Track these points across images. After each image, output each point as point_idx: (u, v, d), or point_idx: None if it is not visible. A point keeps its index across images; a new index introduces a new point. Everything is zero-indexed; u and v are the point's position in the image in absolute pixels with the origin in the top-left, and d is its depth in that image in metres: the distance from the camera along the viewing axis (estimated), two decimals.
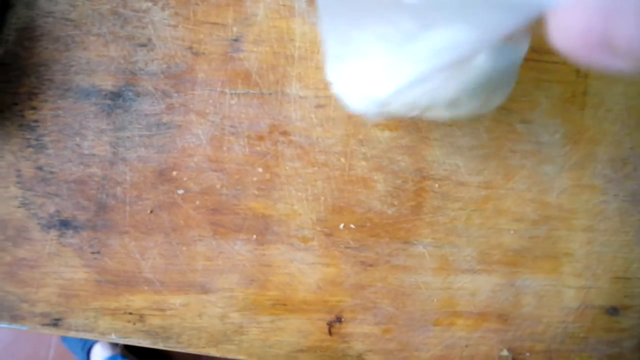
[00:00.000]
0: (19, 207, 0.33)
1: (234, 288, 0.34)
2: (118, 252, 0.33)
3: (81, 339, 0.96)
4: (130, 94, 0.34)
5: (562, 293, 0.36)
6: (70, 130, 0.34)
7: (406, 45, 0.22)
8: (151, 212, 0.34)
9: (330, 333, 0.34)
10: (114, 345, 0.97)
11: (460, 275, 0.35)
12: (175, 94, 0.34)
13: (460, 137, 0.35)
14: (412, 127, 0.35)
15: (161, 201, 0.34)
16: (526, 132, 0.36)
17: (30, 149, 0.33)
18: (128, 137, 0.34)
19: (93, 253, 0.33)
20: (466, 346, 0.35)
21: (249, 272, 0.34)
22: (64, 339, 0.99)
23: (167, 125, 0.34)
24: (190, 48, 0.34)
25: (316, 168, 0.34)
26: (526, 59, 0.36)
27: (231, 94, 0.34)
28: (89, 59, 0.34)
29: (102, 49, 0.34)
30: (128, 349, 0.99)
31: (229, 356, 0.34)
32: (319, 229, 0.34)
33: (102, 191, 0.33)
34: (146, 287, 0.33)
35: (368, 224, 0.35)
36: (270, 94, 0.34)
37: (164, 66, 0.34)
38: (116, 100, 0.34)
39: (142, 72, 0.34)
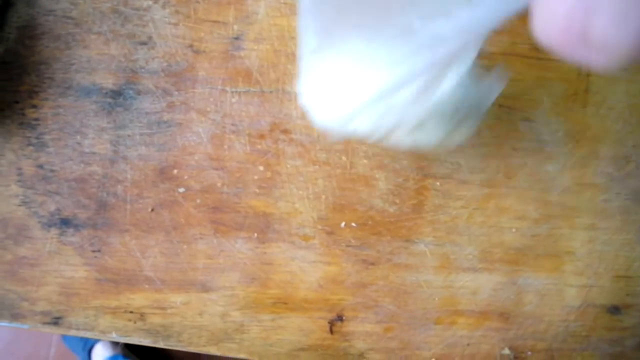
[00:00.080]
0: (20, 205, 0.33)
1: (234, 286, 0.34)
2: (119, 251, 0.33)
3: (82, 339, 0.96)
4: (130, 92, 0.34)
5: (563, 292, 0.36)
6: (70, 128, 0.33)
7: (385, 32, 0.21)
8: (152, 210, 0.34)
9: (331, 331, 0.34)
10: (115, 344, 0.97)
11: (461, 273, 0.35)
12: (176, 92, 0.34)
13: None
14: None
15: (162, 199, 0.34)
16: (528, 130, 0.36)
17: (31, 147, 0.33)
18: (129, 136, 0.34)
19: (94, 251, 0.33)
20: (468, 345, 0.35)
21: (250, 270, 0.34)
22: (65, 339, 0.99)
23: (168, 124, 0.34)
24: (191, 46, 0.34)
25: (317, 166, 0.34)
26: (527, 57, 0.36)
27: (232, 92, 0.34)
28: (90, 57, 0.34)
29: (103, 47, 0.34)
30: (129, 348, 0.99)
31: (230, 355, 0.34)
32: (320, 227, 0.34)
33: (103, 189, 0.33)
34: (147, 286, 0.33)
35: (369, 223, 0.35)
36: (271, 92, 0.34)
37: (165, 64, 0.34)
38: (117, 98, 0.34)
39: (142, 70, 0.34)
